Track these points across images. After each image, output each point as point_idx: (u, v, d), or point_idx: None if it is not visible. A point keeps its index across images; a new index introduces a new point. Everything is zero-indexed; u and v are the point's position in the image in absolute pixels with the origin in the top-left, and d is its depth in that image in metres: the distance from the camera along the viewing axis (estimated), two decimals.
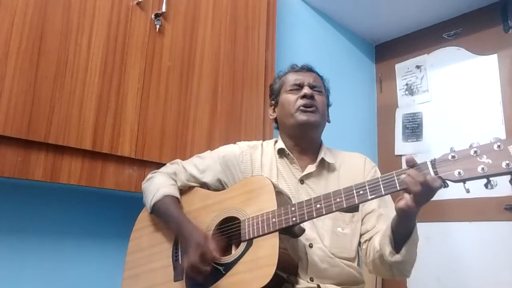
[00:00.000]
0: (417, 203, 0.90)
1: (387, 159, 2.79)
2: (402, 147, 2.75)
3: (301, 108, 1.23)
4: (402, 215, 0.95)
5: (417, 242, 1.03)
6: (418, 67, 2.79)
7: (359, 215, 1.20)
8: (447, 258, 2.37)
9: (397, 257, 1.01)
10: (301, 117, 1.23)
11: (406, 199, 0.91)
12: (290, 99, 1.27)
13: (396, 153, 2.77)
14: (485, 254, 2.24)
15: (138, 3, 1.51)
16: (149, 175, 1.35)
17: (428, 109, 2.68)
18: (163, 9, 1.56)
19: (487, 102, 2.41)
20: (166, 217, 1.22)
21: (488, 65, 2.45)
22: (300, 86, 1.28)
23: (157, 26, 1.55)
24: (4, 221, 1.36)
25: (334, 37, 2.75)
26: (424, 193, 0.88)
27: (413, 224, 1.00)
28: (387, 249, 1.03)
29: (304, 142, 1.28)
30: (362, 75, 2.93)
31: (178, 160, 1.37)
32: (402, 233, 1.01)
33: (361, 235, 1.20)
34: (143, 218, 1.32)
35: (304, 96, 1.24)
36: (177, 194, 1.27)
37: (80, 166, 1.32)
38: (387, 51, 2.99)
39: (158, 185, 1.26)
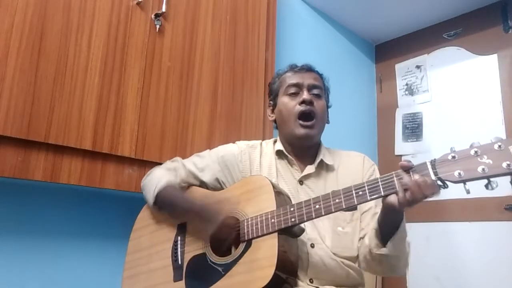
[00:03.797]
0: (410, 204, 0.90)
1: (387, 159, 2.79)
2: (402, 147, 2.75)
3: (300, 121, 1.21)
4: (389, 210, 0.95)
5: (405, 237, 1.03)
6: (418, 67, 2.78)
7: (358, 213, 1.20)
8: (447, 258, 2.37)
9: (383, 250, 1.01)
10: (300, 131, 1.21)
11: (399, 197, 0.90)
12: (289, 105, 1.24)
13: (396, 153, 2.77)
14: (485, 254, 2.24)
15: (138, 3, 1.51)
16: (148, 172, 1.34)
17: (428, 109, 2.68)
18: (163, 9, 1.56)
19: (487, 102, 2.40)
20: (171, 203, 1.21)
21: (488, 65, 2.45)
22: (299, 88, 1.25)
23: (157, 26, 1.55)
24: (4, 221, 1.36)
25: (334, 37, 2.75)
26: (421, 197, 0.88)
27: (400, 218, 1.00)
28: (374, 241, 1.03)
29: (302, 148, 1.27)
30: (362, 75, 2.93)
31: (178, 158, 1.36)
32: (388, 227, 1.01)
33: None
34: (143, 218, 1.32)
35: (303, 102, 1.22)
36: (177, 186, 1.27)
37: (80, 166, 1.33)
38: (387, 51, 2.99)
39: (159, 177, 1.26)
